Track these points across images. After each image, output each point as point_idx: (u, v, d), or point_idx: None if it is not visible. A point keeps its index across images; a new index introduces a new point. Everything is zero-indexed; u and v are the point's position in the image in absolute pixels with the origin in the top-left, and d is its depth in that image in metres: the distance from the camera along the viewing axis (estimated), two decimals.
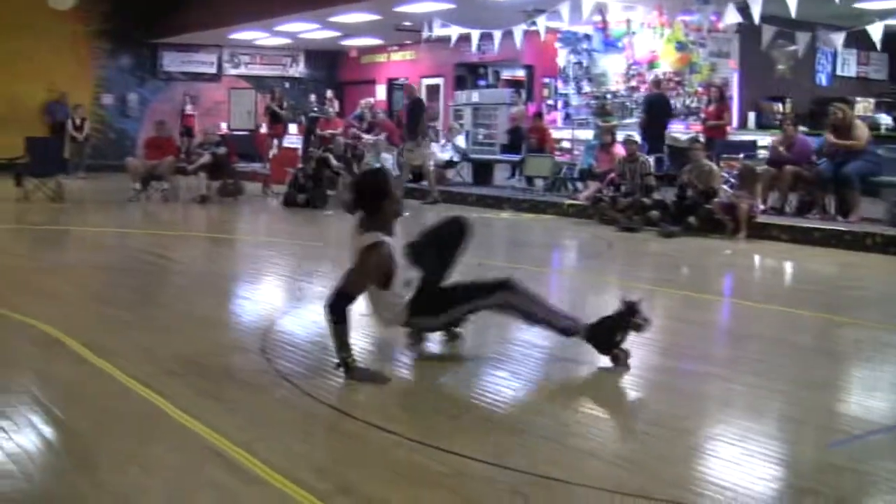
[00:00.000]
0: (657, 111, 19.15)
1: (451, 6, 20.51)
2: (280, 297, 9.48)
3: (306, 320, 7.95)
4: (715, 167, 14.84)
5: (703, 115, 19.23)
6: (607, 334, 6.19)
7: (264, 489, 4.09)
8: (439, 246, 6.54)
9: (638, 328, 6.13)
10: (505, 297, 6.17)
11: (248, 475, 4.25)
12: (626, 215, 14.80)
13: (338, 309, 5.79)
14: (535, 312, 6.23)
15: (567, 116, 23.37)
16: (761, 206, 14.58)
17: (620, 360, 6.17)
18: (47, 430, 4.85)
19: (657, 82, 20.31)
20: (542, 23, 19.30)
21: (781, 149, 15.19)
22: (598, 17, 20.28)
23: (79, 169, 24.45)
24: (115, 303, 8.85)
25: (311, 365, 6.22)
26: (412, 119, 19.23)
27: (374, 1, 20.82)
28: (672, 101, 19.87)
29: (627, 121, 21.18)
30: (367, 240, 5.93)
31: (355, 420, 5.06)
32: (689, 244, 13.48)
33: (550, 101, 24.75)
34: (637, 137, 16.76)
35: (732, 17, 16.64)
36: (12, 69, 26.63)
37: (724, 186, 14.81)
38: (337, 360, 5.80)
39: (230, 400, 5.42)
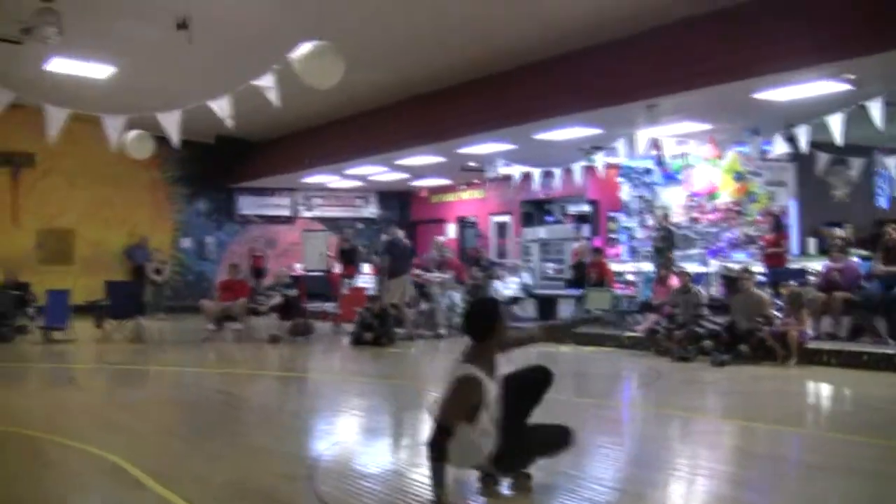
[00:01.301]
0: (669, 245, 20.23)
1: (512, 147, 21.18)
2: (335, 431, 9.98)
3: (356, 452, 8.56)
4: (765, 296, 15.22)
5: (761, 244, 19.55)
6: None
7: None
8: (520, 392, 6.66)
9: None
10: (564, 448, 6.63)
11: None
12: (681, 345, 15.16)
13: (438, 445, 6.00)
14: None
15: (633, 250, 23.75)
16: (810, 332, 14.86)
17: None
18: None
19: (665, 216, 21.16)
20: (599, 159, 19.94)
21: (835, 273, 15.53)
22: (654, 152, 20.85)
23: (158, 310, 25.29)
24: (179, 435, 9.60)
25: (349, 489, 6.82)
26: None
27: (435, 144, 21.52)
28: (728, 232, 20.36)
29: (689, 252, 21.54)
30: (461, 371, 6.23)
31: None
32: (739, 372, 13.81)
33: (614, 235, 25.19)
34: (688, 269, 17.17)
35: (781, 147, 17.09)
36: (97, 215, 27.85)
37: (776, 313, 15.09)
38: (435, 500, 6.00)
39: None
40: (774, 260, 18.47)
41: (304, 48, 11.79)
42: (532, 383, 6.79)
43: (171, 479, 6.91)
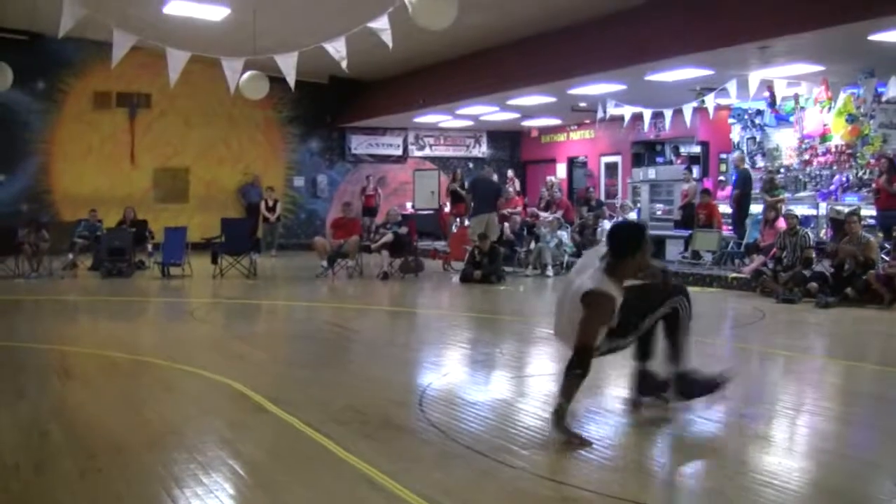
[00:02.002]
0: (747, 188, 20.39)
1: (623, 87, 21.17)
2: (442, 362, 10.23)
3: (460, 383, 8.86)
4: (871, 238, 15.10)
5: (874, 187, 19.29)
6: (691, 387, 6.99)
7: None
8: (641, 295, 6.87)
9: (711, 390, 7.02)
10: (680, 301, 6.82)
11: (390, 495, 5.13)
12: (786, 287, 15.15)
13: (584, 362, 6.23)
14: (686, 329, 6.90)
15: (706, 192, 23.57)
16: None
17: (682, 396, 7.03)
18: (235, 463, 5.83)
19: (742, 158, 20.86)
20: (710, 100, 19.87)
21: None
22: (765, 94, 20.69)
23: (271, 248, 25.89)
24: (296, 364, 10.00)
25: (458, 415, 7.15)
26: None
27: (548, 84, 21.58)
28: (839, 175, 20.19)
29: (800, 194, 21.39)
30: (599, 286, 6.34)
31: (486, 457, 5.88)
32: (844, 315, 13.81)
33: (723, 178, 25.06)
34: (797, 212, 17.10)
35: (895, 89, 16.89)
36: (211, 155, 28.49)
37: (883, 256, 14.99)
38: (555, 409, 6.30)
39: (384, 441, 6.31)
40: (887, 203, 18.19)
41: None
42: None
43: (290, 404, 7.26)
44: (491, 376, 9.46)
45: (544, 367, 9.69)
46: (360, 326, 13.32)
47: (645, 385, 7.17)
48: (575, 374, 6.20)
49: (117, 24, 13.37)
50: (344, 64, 14.07)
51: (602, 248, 6.71)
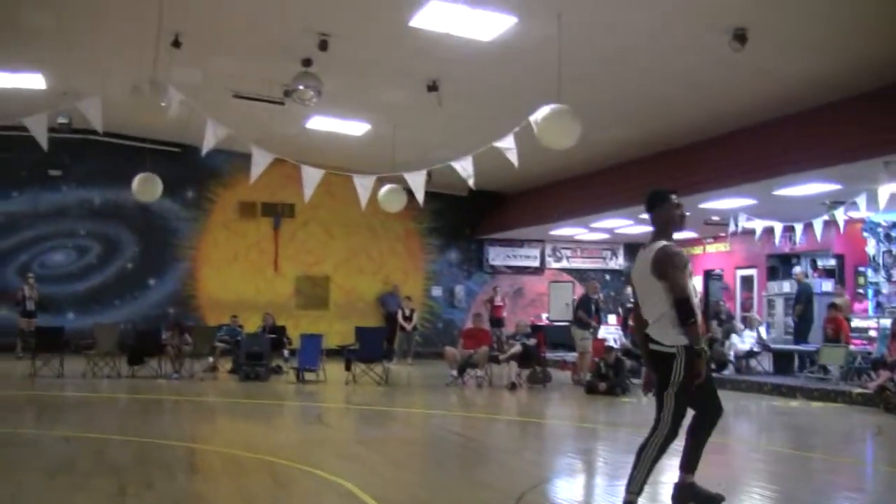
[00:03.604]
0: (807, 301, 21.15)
1: (754, 202, 21.39)
2: (547, 469, 10.64)
3: (560, 490, 9.33)
4: None
5: None
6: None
7: None
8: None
9: None
10: (713, 417, 7.27)
11: None
12: None
13: (689, 309, 6.83)
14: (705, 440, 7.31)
15: (878, 305, 23.46)
16: None
17: None
18: None
19: (804, 273, 21.08)
20: (839, 214, 19.95)
21: None
22: None
23: (407, 356, 26.46)
24: (409, 468, 10.61)
25: None
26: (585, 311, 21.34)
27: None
28: None
29: None
30: (659, 245, 7.11)
31: None
32: None
33: (861, 290, 24.94)
34: None
35: None
36: (352, 264, 29.39)
37: None
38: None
39: None
40: None
41: (543, 111, 12.48)
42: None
43: (393, 503, 7.66)
44: (588, 483, 9.90)
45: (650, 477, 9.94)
46: (478, 434, 13.74)
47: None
48: (690, 322, 6.81)
49: (256, 142, 14.15)
50: (471, 182, 14.59)
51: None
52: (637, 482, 7.05)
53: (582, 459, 11.43)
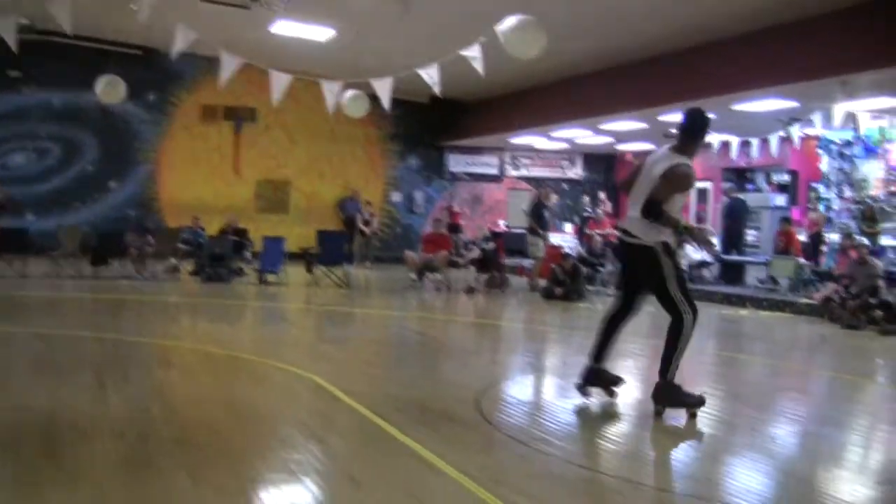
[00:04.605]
0: (736, 216, 21.57)
1: (712, 116, 21.65)
2: (506, 367, 11.25)
3: (519, 385, 9.95)
4: None
5: None
6: (670, 397, 7.79)
7: (445, 479, 5.81)
8: None
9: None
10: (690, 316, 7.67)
11: (435, 470, 5.99)
12: (853, 314, 15.68)
13: (654, 212, 7.39)
14: (684, 345, 7.67)
15: (828, 220, 23.94)
16: None
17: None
18: (308, 440, 6.77)
19: (732, 188, 22.90)
20: (795, 131, 20.36)
21: None
22: (850, 125, 21.10)
23: (366, 260, 26.86)
24: (374, 365, 11.07)
25: (509, 411, 8.16)
26: (535, 218, 21.81)
27: (638, 111, 22.21)
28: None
29: (887, 225, 21.70)
30: (678, 160, 7.60)
31: (525, 445, 6.75)
32: None
33: (811, 206, 25.40)
34: (865, 241, 17.54)
35: None
36: (313, 169, 29.50)
37: None
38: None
39: (439, 429, 7.19)
40: None
41: (509, 21, 12.69)
42: None
43: (362, 396, 8.15)
44: (545, 381, 10.51)
45: None
46: (439, 334, 14.24)
47: (598, 379, 8.27)
48: (658, 216, 7.42)
49: (225, 47, 14.32)
50: (437, 90, 14.82)
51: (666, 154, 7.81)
52: (673, 369, 7.66)
53: (539, 359, 12.06)
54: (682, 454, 6.99)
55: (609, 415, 8.02)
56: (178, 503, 5.19)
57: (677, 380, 7.69)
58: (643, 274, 7.77)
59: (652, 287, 7.73)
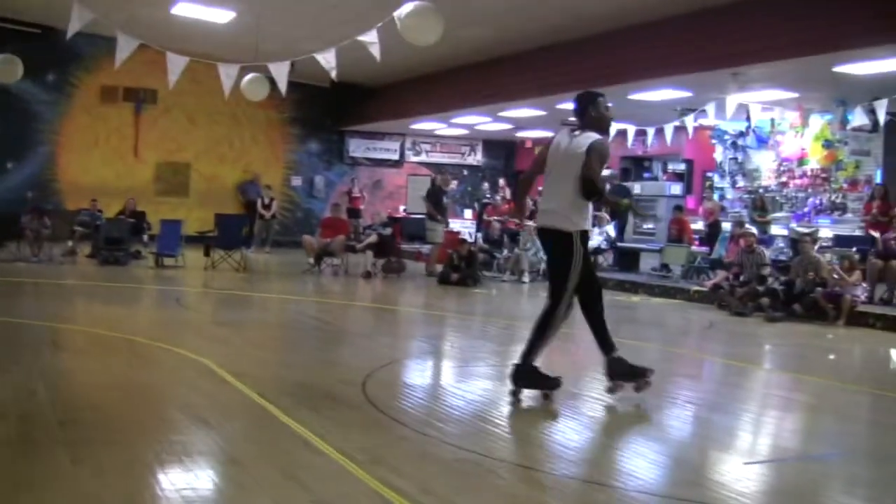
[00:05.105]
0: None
1: (608, 104, 21.96)
2: (397, 351, 11.35)
3: (405, 369, 10.15)
4: (823, 259, 16.03)
5: (873, 212, 19.59)
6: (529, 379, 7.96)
7: (325, 459, 5.95)
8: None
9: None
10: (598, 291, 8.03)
11: (315, 449, 6.14)
12: (741, 301, 16.10)
13: (594, 190, 7.50)
14: (546, 337, 7.91)
15: (722, 209, 24.39)
16: (863, 296, 15.69)
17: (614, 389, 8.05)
18: (192, 421, 6.88)
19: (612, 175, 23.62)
20: (689, 120, 20.73)
21: (893, 242, 16.31)
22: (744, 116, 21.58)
23: (265, 244, 26.85)
24: (265, 348, 11.22)
25: (394, 394, 8.28)
26: (433, 204, 22.14)
27: (535, 99, 22.49)
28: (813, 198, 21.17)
29: (779, 214, 22.21)
30: (592, 137, 7.65)
31: (406, 427, 6.94)
32: (786, 329, 14.83)
33: (706, 195, 25.87)
34: (754, 230, 18.02)
35: (860, 118, 17.74)
36: (213, 152, 29.46)
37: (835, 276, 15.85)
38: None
39: (322, 410, 7.32)
40: (879, 228, 18.57)
41: (406, 7, 12.83)
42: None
43: (251, 379, 8.27)
44: (434, 365, 10.76)
45: (486, 359, 10.90)
46: (332, 318, 14.39)
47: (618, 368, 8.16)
48: (600, 196, 7.75)
49: (122, 28, 14.27)
50: (333, 74, 14.92)
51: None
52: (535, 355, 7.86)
53: (430, 343, 12.25)
54: (563, 437, 7.14)
55: (494, 400, 8.22)
56: (55, 482, 5.25)
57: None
58: (555, 260, 7.97)
59: (555, 272, 7.95)
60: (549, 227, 7.85)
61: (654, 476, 6.11)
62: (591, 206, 7.74)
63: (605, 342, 8.04)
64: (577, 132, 7.80)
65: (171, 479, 5.41)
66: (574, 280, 7.70)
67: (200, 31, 21.14)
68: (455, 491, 5.42)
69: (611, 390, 8.07)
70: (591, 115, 7.91)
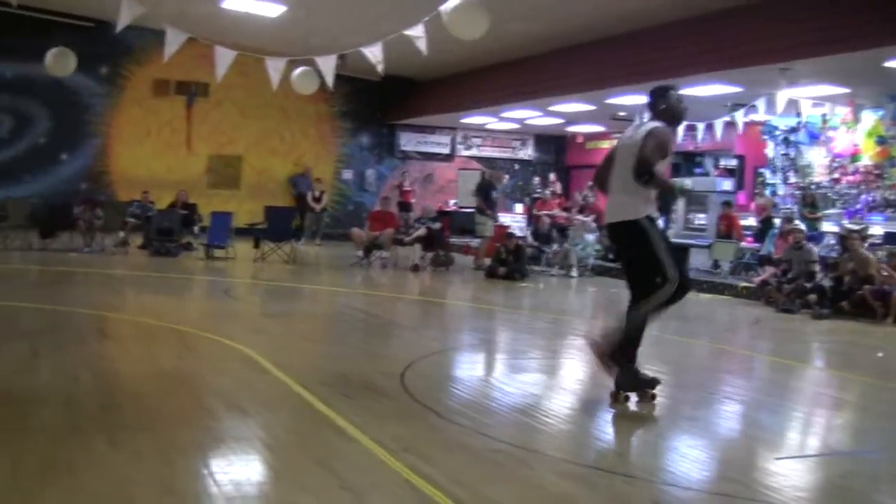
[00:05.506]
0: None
1: (679, 97, 21.89)
2: (439, 343, 11.37)
3: (446, 361, 10.14)
4: (871, 256, 15.91)
5: None
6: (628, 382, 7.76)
7: (357, 446, 6.04)
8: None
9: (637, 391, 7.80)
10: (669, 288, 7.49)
11: (349, 437, 6.24)
12: (788, 298, 16.03)
13: (646, 170, 7.20)
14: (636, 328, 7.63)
15: (774, 205, 24.27)
16: None
17: (619, 399, 7.75)
18: (229, 409, 6.99)
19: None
20: (739, 116, 20.67)
21: None
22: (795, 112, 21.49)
23: (316, 236, 27.00)
24: (308, 339, 11.28)
25: (433, 386, 8.30)
26: (482, 198, 22.22)
27: (584, 93, 22.51)
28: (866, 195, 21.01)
29: (830, 211, 22.08)
30: (652, 125, 7.60)
31: (441, 418, 7.02)
32: (834, 326, 14.77)
33: (757, 191, 25.77)
34: (802, 226, 17.92)
35: None
36: (264, 145, 29.64)
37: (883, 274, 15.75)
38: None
39: (359, 400, 7.42)
40: None
41: (452, 2, 12.88)
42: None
43: (291, 369, 8.37)
44: (475, 357, 10.77)
45: (528, 352, 11.03)
46: (379, 311, 14.43)
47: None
48: (650, 178, 7.24)
49: (170, 22, 14.41)
50: (381, 68, 14.97)
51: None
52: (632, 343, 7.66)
53: (473, 336, 12.30)
54: (600, 431, 7.22)
55: (532, 393, 8.32)
56: (93, 466, 5.35)
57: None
58: (629, 253, 7.79)
59: (633, 267, 7.77)
60: (615, 222, 7.68)
61: (687, 470, 6.11)
62: (653, 193, 7.51)
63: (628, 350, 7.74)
64: (643, 124, 7.78)
65: (205, 465, 5.52)
66: (667, 262, 7.42)
67: (250, 24, 21.30)
68: (484, 481, 5.47)
69: (615, 398, 7.79)
70: (660, 108, 7.84)
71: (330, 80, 15.43)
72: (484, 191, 22.09)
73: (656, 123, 7.63)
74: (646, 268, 7.51)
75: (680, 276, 7.54)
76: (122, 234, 21.63)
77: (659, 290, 7.44)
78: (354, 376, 8.33)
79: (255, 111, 29.10)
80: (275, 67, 15.35)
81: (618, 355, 7.58)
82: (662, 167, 7.45)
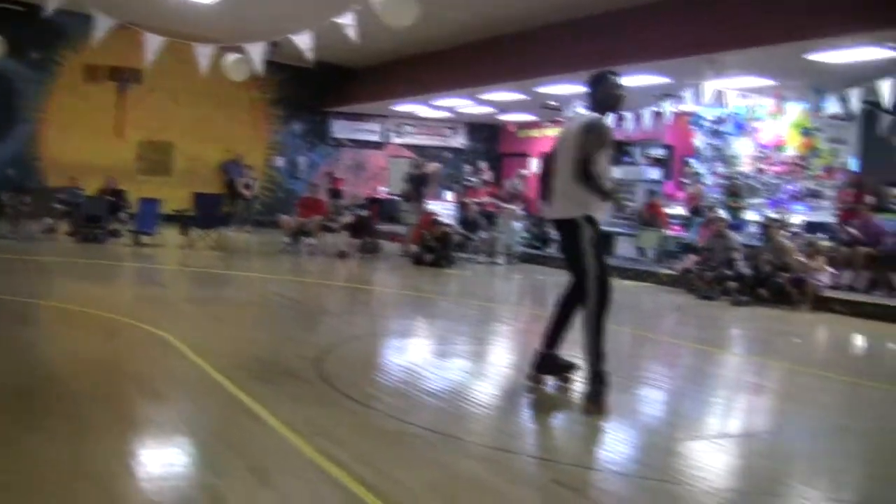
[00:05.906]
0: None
1: (618, 82, 22.08)
2: (357, 329, 11.47)
3: (368, 347, 10.25)
4: (789, 244, 16.23)
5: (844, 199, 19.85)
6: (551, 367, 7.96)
7: (268, 430, 6.16)
8: None
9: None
10: (598, 286, 7.42)
11: (261, 421, 6.35)
12: (709, 285, 16.33)
13: (585, 172, 7.11)
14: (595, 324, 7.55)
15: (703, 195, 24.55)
16: (826, 281, 15.92)
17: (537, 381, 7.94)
18: (143, 392, 7.08)
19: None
20: (667, 106, 20.91)
21: (853, 230, 16.58)
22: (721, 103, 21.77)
23: (245, 223, 26.93)
24: (229, 324, 11.34)
25: (349, 370, 8.43)
26: (413, 187, 22.75)
27: (515, 82, 22.64)
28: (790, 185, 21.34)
29: (755, 200, 22.40)
30: (587, 117, 7.61)
31: (355, 401, 7.14)
32: (753, 313, 15.10)
33: (685, 180, 26.05)
34: (724, 215, 18.22)
35: (833, 106, 17.95)
36: (197, 132, 29.41)
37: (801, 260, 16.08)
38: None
39: (274, 384, 7.54)
40: (849, 215, 18.84)
41: None
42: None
43: (208, 353, 8.46)
44: (393, 343, 10.91)
45: (447, 338, 11.24)
46: (302, 297, 14.60)
47: (551, 366, 8.01)
48: (590, 180, 7.14)
49: (99, 7, 14.35)
50: (310, 55, 15.04)
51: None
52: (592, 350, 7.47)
53: (396, 321, 12.48)
54: (514, 415, 7.42)
55: (446, 378, 8.51)
56: (7, 448, 5.44)
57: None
58: (565, 249, 7.76)
59: (569, 263, 7.72)
60: (556, 218, 7.66)
61: (594, 452, 6.30)
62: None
63: (554, 337, 7.86)
64: (579, 117, 7.79)
65: (118, 447, 5.60)
66: (592, 269, 7.37)
67: (183, 11, 21.21)
68: (393, 463, 5.61)
69: (533, 380, 7.93)
70: (598, 95, 7.74)
71: (258, 66, 15.47)
72: (416, 181, 22.22)
73: (592, 115, 7.61)
74: (574, 268, 7.60)
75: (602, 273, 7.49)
76: (49, 220, 21.45)
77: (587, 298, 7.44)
78: (272, 361, 8.47)
79: (189, 98, 28.85)
80: (203, 53, 15.36)
81: (593, 358, 7.43)
82: (605, 160, 7.36)
